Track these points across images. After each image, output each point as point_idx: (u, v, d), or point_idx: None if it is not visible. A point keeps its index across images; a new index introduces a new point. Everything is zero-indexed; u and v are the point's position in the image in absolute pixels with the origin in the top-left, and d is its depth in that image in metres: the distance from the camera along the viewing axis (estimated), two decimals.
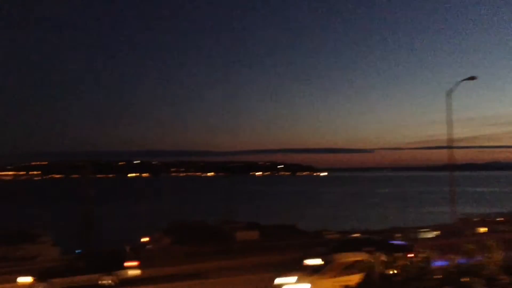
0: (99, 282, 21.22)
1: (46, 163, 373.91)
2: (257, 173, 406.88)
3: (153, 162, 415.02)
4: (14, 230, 36.64)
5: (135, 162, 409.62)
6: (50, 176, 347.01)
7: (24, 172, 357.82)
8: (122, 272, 21.82)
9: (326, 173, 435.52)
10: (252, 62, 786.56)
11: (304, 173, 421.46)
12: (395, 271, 14.19)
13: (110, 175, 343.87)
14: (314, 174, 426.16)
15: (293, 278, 16.93)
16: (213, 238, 34.07)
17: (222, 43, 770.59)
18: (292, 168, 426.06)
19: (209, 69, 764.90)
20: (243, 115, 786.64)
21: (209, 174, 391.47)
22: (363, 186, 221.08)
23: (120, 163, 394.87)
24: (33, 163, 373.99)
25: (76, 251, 33.77)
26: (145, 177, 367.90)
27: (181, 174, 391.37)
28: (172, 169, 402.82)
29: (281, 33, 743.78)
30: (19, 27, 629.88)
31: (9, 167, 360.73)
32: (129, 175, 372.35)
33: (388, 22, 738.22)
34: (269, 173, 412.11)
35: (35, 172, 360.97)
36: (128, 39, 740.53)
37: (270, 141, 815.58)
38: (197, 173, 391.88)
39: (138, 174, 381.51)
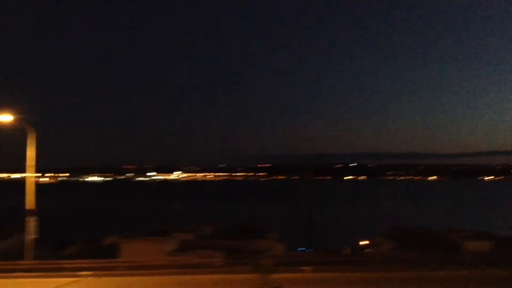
0: None
1: (270, 165, 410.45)
2: (486, 177, 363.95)
3: (369, 165, 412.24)
4: (242, 225, 40.55)
5: (351, 165, 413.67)
6: (273, 177, 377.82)
7: (253, 173, 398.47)
8: None
9: None
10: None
11: None
12: None
13: (327, 177, 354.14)
14: None
15: None
16: (438, 246, 31.34)
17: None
18: None
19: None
20: (460, 117, 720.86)
21: (430, 178, 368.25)
22: None
23: (336, 166, 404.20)
24: (259, 165, 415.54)
25: (299, 249, 35.34)
26: (361, 180, 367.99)
27: (399, 178, 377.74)
28: (389, 172, 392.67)
29: None
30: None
31: (239, 169, 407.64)
32: (345, 177, 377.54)
33: None
34: (502, 177, 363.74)
35: (261, 174, 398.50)
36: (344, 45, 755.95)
37: (493, 142, 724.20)
38: (417, 177, 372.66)
39: (354, 177, 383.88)
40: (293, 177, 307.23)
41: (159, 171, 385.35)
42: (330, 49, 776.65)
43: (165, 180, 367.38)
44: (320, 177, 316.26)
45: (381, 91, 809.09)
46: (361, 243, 36.53)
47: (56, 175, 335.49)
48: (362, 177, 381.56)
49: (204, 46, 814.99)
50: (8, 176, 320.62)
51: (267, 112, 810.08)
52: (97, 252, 28.76)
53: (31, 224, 24.12)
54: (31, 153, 24.89)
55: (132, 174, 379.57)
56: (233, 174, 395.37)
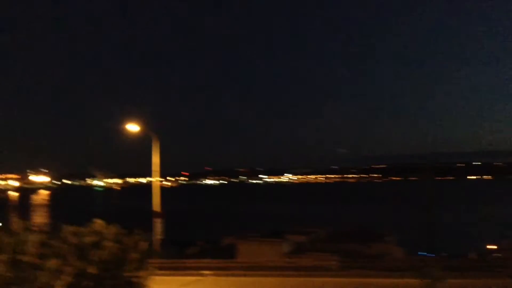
0: None
1: (384, 166, 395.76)
2: None
3: (496, 163, 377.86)
4: (358, 228, 39.51)
5: (474, 163, 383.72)
6: (389, 178, 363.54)
7: (367, 175, 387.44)
8: None
9: None
10: None
11: None
12: None
13: (449, 177, 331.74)
14: None
15: None
16: None
17: None
18: None
19: None
20: None
21: None
22: None
23: (458, 165, 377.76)
24: (374, 166, 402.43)
25: (419, 253, 33.49)
26: (487, 180, 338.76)
27: None
28: None
29: None
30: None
31: (353, 170, 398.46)
32: (468, 177, 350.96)
33: None
34: None
35: (375, 175, 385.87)
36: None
37: None
38: None
39: (478, 176, 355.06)
40: (411, 178, 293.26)
41: (270, 174, 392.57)
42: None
43: (276, 182, 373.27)
44: (441, 178, 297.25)
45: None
46: (488, 247, 33.84)
47: (177, 179, 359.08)
48: (487, 177, 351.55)
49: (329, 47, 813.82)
50: (136, 181, 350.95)
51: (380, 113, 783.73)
52: (216, 252, 29.99)
53: (158, 225, 25.82)
54: (156, 159, 26.77)
55: (245, 177, 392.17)
56: (345, 176, 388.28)
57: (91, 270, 8.03)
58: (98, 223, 8.97)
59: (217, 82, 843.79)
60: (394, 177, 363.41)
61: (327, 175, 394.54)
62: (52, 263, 7.66)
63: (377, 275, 19.13)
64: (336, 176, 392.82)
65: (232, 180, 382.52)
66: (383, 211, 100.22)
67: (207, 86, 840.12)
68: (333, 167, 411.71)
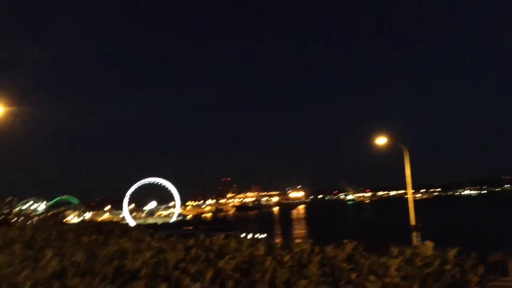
0: None
1: None
2: None
3: None
4: None
5: None
6: None
7: None
8: None
9: None
10: None
11: None
12: None
13: None
14: None
15: None
16: None
17: None
18: None
19: None
20: None
21: None
22: None
23: None
24: None
25: None
26: None
27: None
28: None
29: None
30: None
31: None
32: None
33: None
34: None
35: None
36: None
37: None
38: None
39: None
40: None
41: None
42: None
43: None
44: None
45: None
46: None
47: (429, 190, 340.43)
48: None
49: None
50: (385, 194, 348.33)
51: None
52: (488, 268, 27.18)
53: (415, 239, 25.15)
54: (408, 171, 26.30)
55: (509, 185, 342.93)
56: None
57: None
58: (427, 245, 8.76)
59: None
60: None
61: None
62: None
63: None
64: None
65: (494, 190, 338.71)
66: None
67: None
68: None
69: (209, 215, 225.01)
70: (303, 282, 3.52)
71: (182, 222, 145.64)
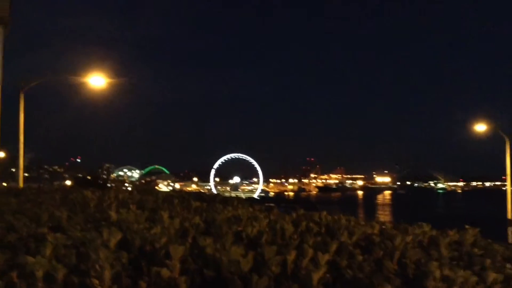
0: None
1: None
2: None
3: None
4: None
5: None
6: None
7: None
8: None
9: None
10: None
11: None
12: None
13: None
14: None
15: None
16: None
17: None
18: None
19: None
20: None
21: None
22: None
23: None
24: None
25: None
26: None
27: None
28: None
29: None
30: None
31: None
32: None
33: None
34: None
35: None
36: None
37: None
38: None
39: None
40: None
41: None
42: None
43: None
44: None
45: None
46: None
47: None
48: None
49: None
50: (481, 184, 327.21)
51: None
52: None
53: (511, 234, 23.45)
54: (508, 161, 24.24)
55: None
56: None
57: None
58: None
59: None
60: None
61: None
62: None
63: None
64: None
65: None
66: None
67: None
68: None
69: (291, 194, 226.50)
70: (435, 263, 3.20)
71: (265, 198, 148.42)
